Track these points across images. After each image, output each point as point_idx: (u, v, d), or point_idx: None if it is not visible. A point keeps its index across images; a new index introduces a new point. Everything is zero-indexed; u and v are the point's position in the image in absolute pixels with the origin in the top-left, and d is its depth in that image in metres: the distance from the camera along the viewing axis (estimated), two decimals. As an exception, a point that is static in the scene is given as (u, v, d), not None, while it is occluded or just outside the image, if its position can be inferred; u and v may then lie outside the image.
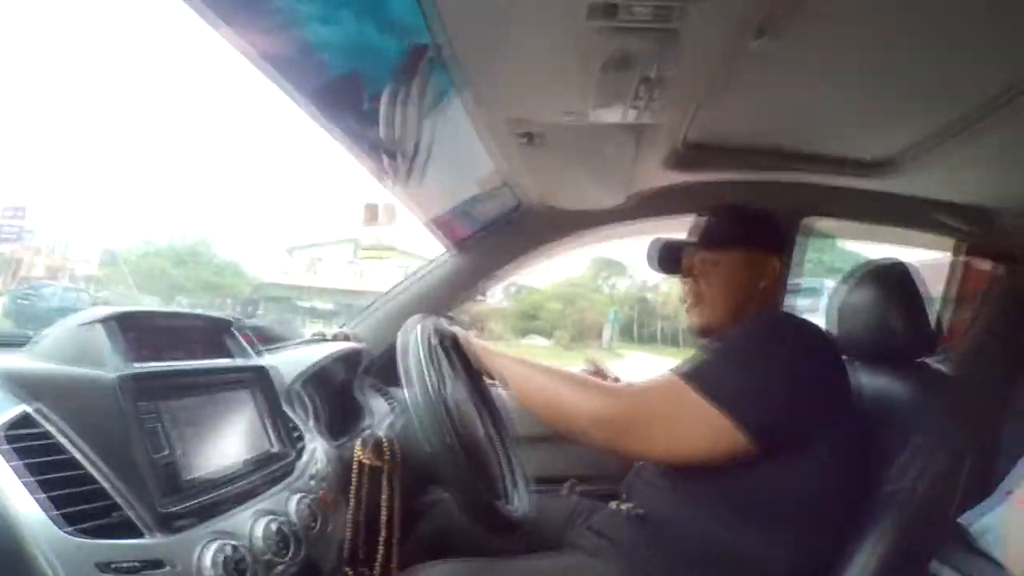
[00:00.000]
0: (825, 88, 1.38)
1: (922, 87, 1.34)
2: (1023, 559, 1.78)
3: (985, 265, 2.35)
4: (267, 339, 1.68)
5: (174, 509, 0.89)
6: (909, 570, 1.23)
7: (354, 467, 1.34)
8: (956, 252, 2.35)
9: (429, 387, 1.18)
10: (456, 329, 1.43)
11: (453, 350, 1.44)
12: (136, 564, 0.80)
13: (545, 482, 2.03)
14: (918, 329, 1.39)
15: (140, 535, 0.84)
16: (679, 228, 1.69)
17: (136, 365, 0.98)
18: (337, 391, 1.78)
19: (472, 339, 1.45)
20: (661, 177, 1.96)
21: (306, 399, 1.63)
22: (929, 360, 1.47)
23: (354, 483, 1.34)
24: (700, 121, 1.56)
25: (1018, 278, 2.27)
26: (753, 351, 1.26)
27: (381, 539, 1.34)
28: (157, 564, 0.82)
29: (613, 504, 1.44)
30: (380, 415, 1.69)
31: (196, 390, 1.06)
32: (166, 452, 0.93)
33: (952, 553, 1.92)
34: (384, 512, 1.33)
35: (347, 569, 1.35)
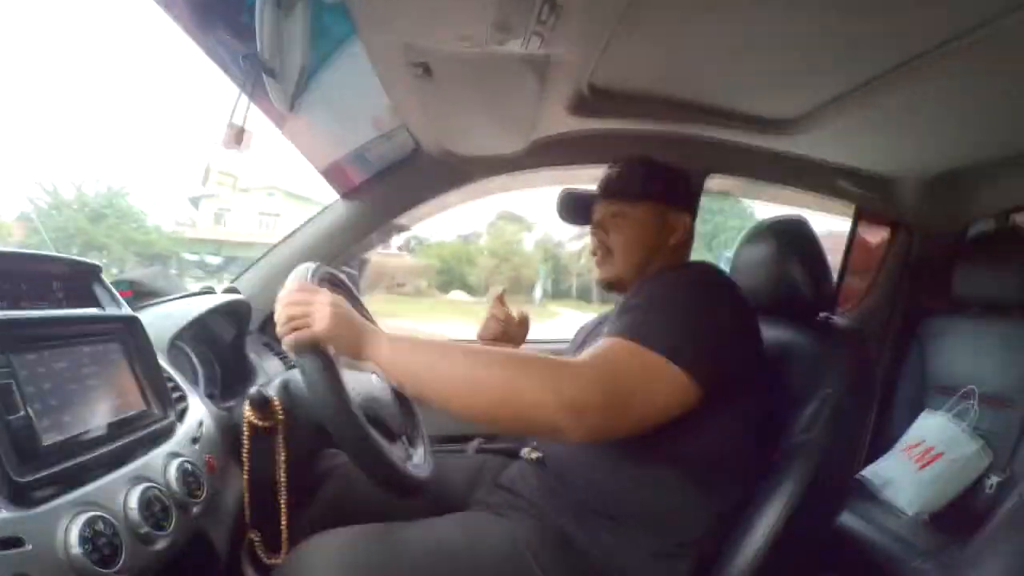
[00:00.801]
0: (733, 43, 1.37)
1: (828, 49, 1.35)
2: (923, 507, 1.89)
3: (882, 232, 2.46)
4: (147, 294, 1.54)
5: (32, 478, 0.77)
6: (820, 520, 1.24)
7: (244, 429, 1.24)
8: (856, 219, 2.45)
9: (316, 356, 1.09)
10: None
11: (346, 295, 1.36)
12: None
13: (451, 441, 1.99)
14: (819, 283, 1.40)
15: (-7, 509, 0.72)
16: (584, 180, 1.64)
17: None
18: (226, 350, 1.65)
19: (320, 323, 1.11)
20: (565, 122, 1.91)
21: (192, 356, 1.51)
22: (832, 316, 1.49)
23: (246, 446, 1.24)
24: (606, 64, 1.51)
25: (913, 245, 2.40)
26: (698, 303, 1.21)
27: (282, 502, 1.25)
28: (14, 542, 0.69)
29: (523, 451, 1.41)
30: (274, 375, 1.57)
31: (56, 342, 0.92)
32: (21, 413, 0.80)
33: (857, 503, 2.02)
34: (281, 475, 1.24)
35: (251, 535, 1.26)
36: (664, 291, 1.25)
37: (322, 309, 1.10)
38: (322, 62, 1.40)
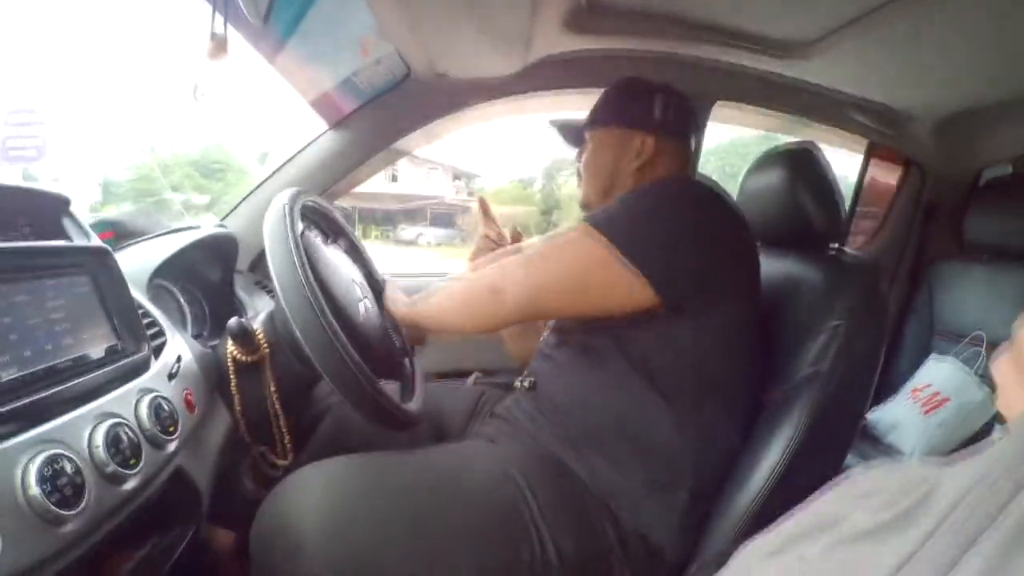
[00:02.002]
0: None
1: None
2: (929, 451, 1.86)
3: (894, 170, 2.41)
4: (129, 234, 1.48)
5: (-12, 414, 0.71)
6: (826, 458, 1.18)
7: (229, 364, 1.19)
8: (868, 156, 2.38)
9: (296, 266, 1.05)
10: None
11: (328, 227, 1.36)
12: None
13: (450, 376, 1.97)
14: (830, 213, 1.35)
15: (-55, 448, 0.66)
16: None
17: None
18: (214, 289, 1.60)
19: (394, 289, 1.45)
20: (562, 41, 1.82)
21: (178, 295, 1.46)
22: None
23: (232, 380, 1.20)
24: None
25: (925, 187, 2.36)
26: (660, 208, 1.20)
27: (282, 425, 1.24)
28: (-34, 484, 0.64)
29: (516, 381, 1.39)
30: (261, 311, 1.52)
31: (17, 274, 0.85)
32: (-24, 347, 0.74)
33: (860, 448, 2.00)
34: (276, 406, 1.22)
35: (260, 449, 1.30)
36: (634, 196, 1.26)
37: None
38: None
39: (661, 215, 1.18)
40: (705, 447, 1.17)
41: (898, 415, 2.03)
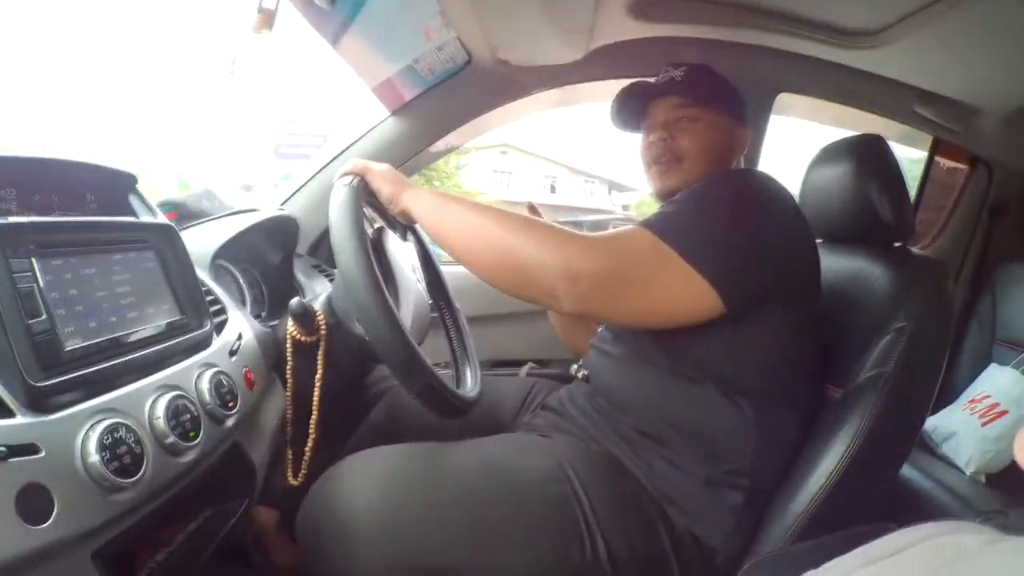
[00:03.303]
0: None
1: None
2: (983, 467, 1.77)
3: (960, 167, 2.32)
4: (192, 215, 1.51)
5: (51, 382, 0.73)
6: (886, 461, 1.16)
7: (288, 344, 1.20)
8: (932, 152, 2.31)
9: (359, 251, 1.02)
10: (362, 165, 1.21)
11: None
12: (2, 449, 0.63)
13: (503, 365, 1.96)
14: (898, 208, 1.28)
15: (10, 414, 0.68)
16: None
17: (7, 218, 0.79)
18: (274, 271, 1.63)
19: (375, 169, 1.20)
20: (626, 28, 1.79)
21: (238, 277, 1.49)
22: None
23: (289, 362, 1.21)
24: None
25: (992, 185, 2.25)
26: (735, 209, 1.13)
27: (312, 420, 1.22)
28: (29, 449, 0.65)
29: (572, 368, 1.38)
30: (320, 293, 1.54)
31: (85, 248, 0.87)
32: (43, 318, 0.76)
33: (915, 456, 1.93)
34: (316, 391, 1.21)
35: (288, 450, 1.25)
36: (702, 192, 1.18)
37: (375, 168, 1.19)
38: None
39: (723, 212, 1.12)
40: (765, 446, 1.14)
41: (955, 425, 1.95)
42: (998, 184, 2.23)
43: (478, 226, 1.09)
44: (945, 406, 2.04)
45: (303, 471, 1.22)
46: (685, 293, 1.05)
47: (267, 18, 1.26)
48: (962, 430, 1.90)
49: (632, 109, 1.42)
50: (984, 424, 1.85)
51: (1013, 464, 1.74)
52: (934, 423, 2.00)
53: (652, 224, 1.09)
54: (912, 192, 2.32)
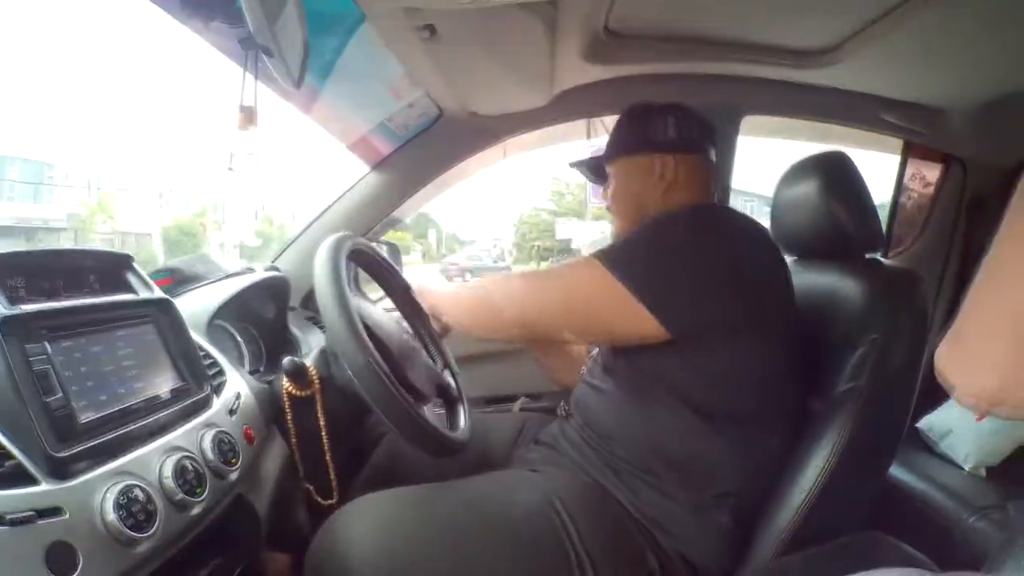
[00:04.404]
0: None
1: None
2: (982, 461, 1.80)
3: (933, 168, 2.33)
4: (187, 279, 1.59)
5: (70, 452, 0.82)
6: (867, 472, 1.21)
7: (284, 400, 1.29)
8: (905, 156, 2.34)
9: (339, 302, 1.13)
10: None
11: (373, 264, 1.44)
12: (31, 513, 0.72)
13: (496, 401, 2.02)
14: (865, 221, 1.32)
15: (35, 482, 0.77)
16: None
17: (21, 307, 0.89)
18: (269, 327, 1.69)
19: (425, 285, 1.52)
20: (586, 72, 1.88)
21: (235, 335, 1.56)
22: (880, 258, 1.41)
23: (288, 415, 1.29)
24: (621, 5, 1.49)
25: (967, 182, 2.26)
26: (684, 244, 1.20)
27: (328, 460, 1.31)
28: (54, 511, 0.75)
29: (560, 409, 1.45)
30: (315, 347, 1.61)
31: (91, 328, 0.97)
32: (59, 395, 0.85)
33: (912, 457, 1.93)
34: (324, 441, 1.29)
35: (307, 486, 1.35)
36: (651, 229, 1.27)
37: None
38: (330, 38, 1.44)
39: (669, 247, 1.20)
40: (750, 467, 1.19)
41: (951, 422, 1.96)
42: (974, 180, 2.26)
43: (463, 297, 1.47)
44: (941, 403, 2.04)
45: (335, 492, 1.34)
46: (618, 311, 1.17)
47: (249, 116, 1.34)
48: (958, 426, 1.92)
49: (597, 172, 1.55)
50: (980, 418, 1.86)
51: (1011, 456, 1.79)
52: (931, 422, 2.02)
53: (602, 252, 1.23)
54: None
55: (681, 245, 1.20)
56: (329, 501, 1.32)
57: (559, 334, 1.33)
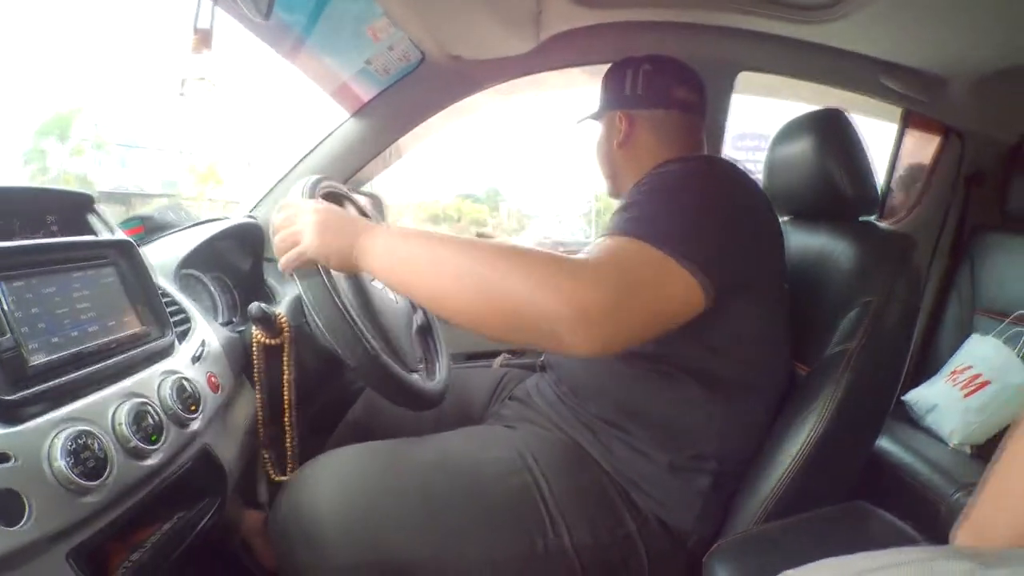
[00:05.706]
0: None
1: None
2: (967, 439, 1.78)
3: (932, 139, 2.29)
4: (159, 228, 1.54)
5: (19, 395, 0.78)
6: (856, 438, 1.16)
7: (254, 348, 1.24)
8: (903, 125, 2.30)
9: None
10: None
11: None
12: None
13: (478, 357, 1.99)
14: (860, 181, 1.28)
15: (-20, 428, 0.73)
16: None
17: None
18: (244, 276, 1.66)
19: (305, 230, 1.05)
20: (573, 16, 1.81)
21: (209, 285, 1.52)
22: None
23: (256, 365, 1.25)
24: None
25: (965, 154, 2.23)
26: (701, 195, 1.08)
27: (287, 422, 1.26)
28: (2, 458, 0.71)
29: (537, 363, 1.42)
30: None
31: (45, 269, 0.92)
32: (7, 335, 0.81)
33: (899, 429, 1.92)
34: (287, 393, 1.25)
35: (264, 453, 1.29)
36: (662, 184, 1.11)
37: (309, 222, 1.03)
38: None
39: (682, 202, 1.06)
40: (732, 431, 1.15)
41: (937, 397, 1.94)
42: (972, 153, 2.22)
43: (450, 267, 0.94)
44: (927, 378, 2.04)
45: (290, 466, 1.28)
46: (683, 291, 0.96)
47: (204, 38, 1.28)
48: (944, 402, 1.90)
49: None
50: (967, 395, 1.84)
51: (996, 436, 1.77)
52: (916, 396, 2.01)
53: (626, 230, 0.99)
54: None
55: (699, 194, 1.08)
56: (283, 477, 1.26)
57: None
